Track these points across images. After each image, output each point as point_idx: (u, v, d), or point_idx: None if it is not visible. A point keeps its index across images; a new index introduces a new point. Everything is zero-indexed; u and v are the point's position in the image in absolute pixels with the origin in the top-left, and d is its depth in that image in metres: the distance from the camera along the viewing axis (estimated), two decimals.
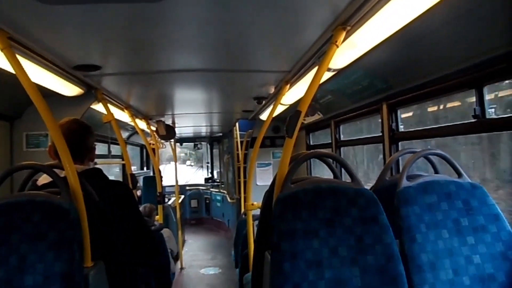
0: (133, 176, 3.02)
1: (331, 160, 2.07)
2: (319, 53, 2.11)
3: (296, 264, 1.39)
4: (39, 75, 2.14)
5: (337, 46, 1.70)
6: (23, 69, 1.53)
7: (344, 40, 1.75)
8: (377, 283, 1.40)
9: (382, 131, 2.79)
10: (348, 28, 1.69)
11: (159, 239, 3.50)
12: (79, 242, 1.39)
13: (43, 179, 1.82)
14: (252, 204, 2.99)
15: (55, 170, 1.58)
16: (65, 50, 2.00)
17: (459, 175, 1.68)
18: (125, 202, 1.94)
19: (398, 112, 2.70)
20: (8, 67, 1.90)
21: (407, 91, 2.45)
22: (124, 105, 3.67)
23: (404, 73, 2.34)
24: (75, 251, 1.36)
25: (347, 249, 1.44)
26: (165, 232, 4.58)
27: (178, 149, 11.04)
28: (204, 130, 8.39)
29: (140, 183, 6.35)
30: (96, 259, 1.52)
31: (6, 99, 2.72)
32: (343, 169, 1.76)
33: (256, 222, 2.94)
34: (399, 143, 2.73)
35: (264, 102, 3.71)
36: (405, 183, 1.60)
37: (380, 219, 1.48)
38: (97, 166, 2.07)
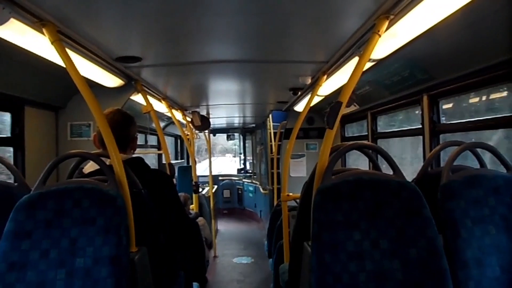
0: (171, 165, 3.09)
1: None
2: (359, 43, 2.07)
3: (337, 256, 1.39)
4: (84, 66, 2.22)
5: (380, 36, 1.67)
6: (71, 61, 1.59)
7: (386, 30, 1.71)
8: (420, 277, 1.37)
9: (422, 123, 2.71)
10: (392, 17, 1.65)
11: (195, 227, 3.57)
12: (126, 227, 1.44)
13: (89, 167, 1.89)
14: (288, 195, 3.00)
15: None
16: (108, 42, 2.06)
17: (508, 169, 1.61)
18: (166, 190, 2.00)
19: (440, 103, 2.61)
20: (57, 59, 1.99)
21: (450, 82, 2.37)
22: (161, 96, 3.75)
23: (447, 63, 2.26)
24: (122, 236, 1.42)
25: (389, 241, 1.42)
26: (200, 220, 4.67)
27: (230, 142, 11.02)
28: (237, 121, 8.44)
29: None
30: (139, 244, 1.58)
31: (52, 90, 2.84)
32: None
33: (292, 213, 2.95)
34: (440, 136, 2.65)
35: (299, 93, 3.69)
36: (449, 176, 1.56)
37: (423, 212, 1.45)
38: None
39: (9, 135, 2.61)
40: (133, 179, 1.68)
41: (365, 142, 3.45)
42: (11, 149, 2.64)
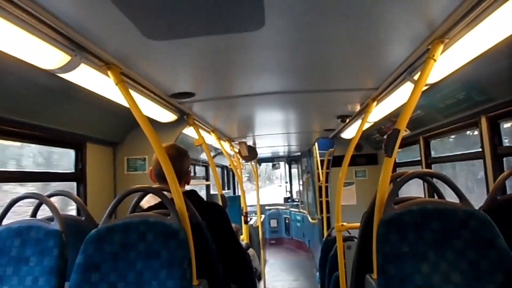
0: (223, 196, 3.13)
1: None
2: (411, 68, 2.04)
3: None
4: (142, 104, 2.34)
5: (435, 60, 1.63)
6: (134, 100, 1.68)
7: (441, 53, 1.68)
8: None
9: (482, 146, 2.58)
10: (447, 41, 1.62)
11: (248, 259, 3.55)
12: (189, 261, 1.46)
13: (146, 202, 1.95)
14: (342, 225, 2.92)
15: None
16: (164, 79, 2.17)
17: None
18: (222, 222, 2.02)
19: (501, 125, 2.48)
20: (117, 98, 2.12)
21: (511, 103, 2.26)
22: (210, 129, 3.85)
23: (508, 83, 2.16)
24: (186, 269, 1.44)
25: (461, 275, 1.33)
26: (250, 251, 4.64)
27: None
28: (282, 150, 8.44)
29: None
30: (199, 277, 1.59)
31: (110, 126, 3.01)
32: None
33: (347, 243, 2.86)
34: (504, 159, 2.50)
35: (348, 120, 3.65)
36: None
37: (498, 243, 1.35)
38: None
39: (73, 170, 2.78)
40: (193, 212, 1.72)
41: (427, 170, 3.32)
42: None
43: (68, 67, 1.59)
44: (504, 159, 2.49)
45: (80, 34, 1.44)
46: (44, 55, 1.49)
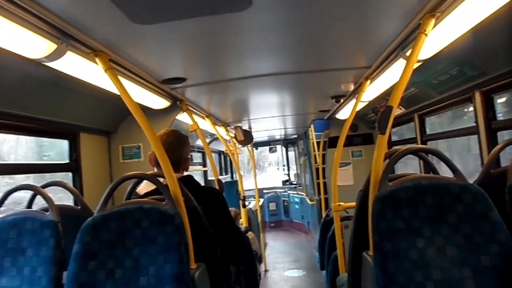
0: (220, 181, 3.13)
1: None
2: (403, 44, 2.02)
3: (401, 265, 1.34)
4: (134, 91, 2.32)
5: (426, 35, 1.61)
6: (123, 87, 1.66)
7: (432, 28, 1.66)
8: (495, 286, 1.29)
9: (476, 122, 2.58)
10: (438, 14, 1.60)
11: (247, 241, 3.58)
12: (185, 245, 1.47)
13: (143, 188, 1.95)
14: (339, 205, 2.94)
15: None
16: (154, 65, 2.14)
17: None
18: (219, 206, 2.03)
19: (495, 99, 2.48)
20: (108, 86, 2.09)
21: (504, 76, 2.25)
22: (205, 114, 3.83)
23: (500, 57, 2.15)
24: (183, 254, 1.44)
25: (456, 248, 1.35)
26: (249, 234, 4.68)
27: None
28: (278, 133, 8.44)
29: None
30: (197, 260, 1.60)
31: (104, 116, 2.99)
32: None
33: (345, 223, 2.89)
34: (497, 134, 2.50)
35: (342, 100, 3.64)
36: None
37: (491, 215, 1.37)
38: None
39: (67, 161, 2.76)
40: (188, 197, 1.72)
41: (421, 145, 3.33)
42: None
43: (54, 56, 1.57)
44: (498, 133, 2.49)
45: (64, 21, 1.41)
46: (29, 44, 1.46)
